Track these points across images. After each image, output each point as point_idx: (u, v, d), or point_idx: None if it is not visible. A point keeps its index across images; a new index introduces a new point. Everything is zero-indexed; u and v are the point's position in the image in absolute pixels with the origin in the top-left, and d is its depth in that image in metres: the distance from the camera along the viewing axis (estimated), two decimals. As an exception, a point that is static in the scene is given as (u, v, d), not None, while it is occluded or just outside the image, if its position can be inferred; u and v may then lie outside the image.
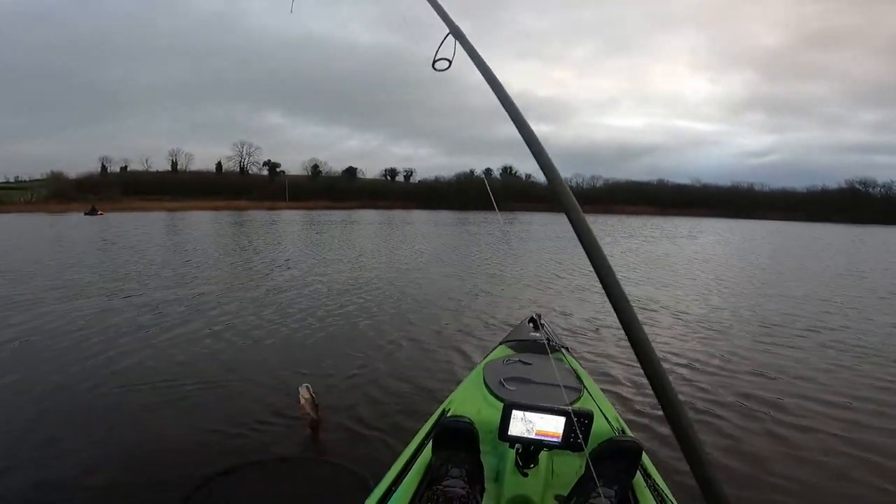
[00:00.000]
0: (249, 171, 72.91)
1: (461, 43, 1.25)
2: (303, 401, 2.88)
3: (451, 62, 1.30)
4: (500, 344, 2.66)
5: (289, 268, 9.67)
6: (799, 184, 76.13)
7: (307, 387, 2.94)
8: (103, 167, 68.99)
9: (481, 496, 1.37)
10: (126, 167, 70.32)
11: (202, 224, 25.30)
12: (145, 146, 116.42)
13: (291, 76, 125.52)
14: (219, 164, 72.69)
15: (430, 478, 1.39)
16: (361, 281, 8.31)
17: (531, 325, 2.80)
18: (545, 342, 2.45)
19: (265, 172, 73.15)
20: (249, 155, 73.51)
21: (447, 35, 1.28)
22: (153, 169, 71.40)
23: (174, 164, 71.95)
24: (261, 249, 13.13)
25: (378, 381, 3.84)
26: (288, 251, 12.83)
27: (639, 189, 71.53)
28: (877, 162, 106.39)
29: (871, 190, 63.65)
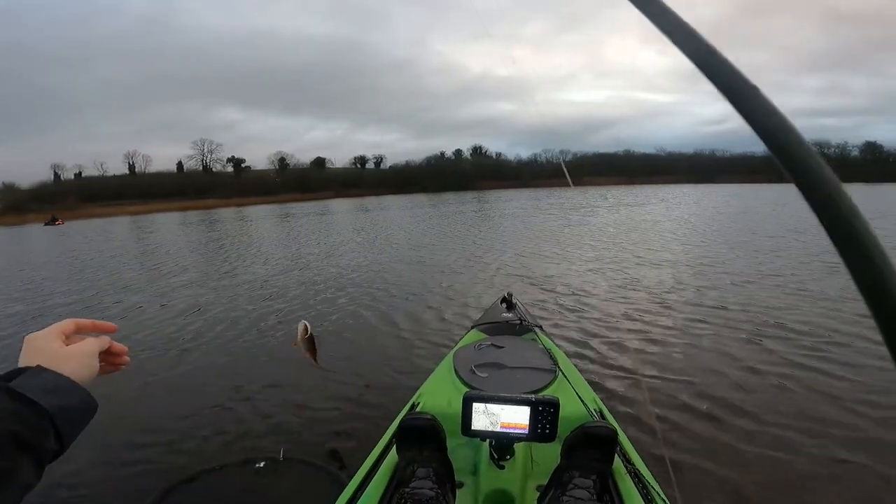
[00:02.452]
0: (213, 169, 70.81)
1: None
2: (299, 336, 2.88)
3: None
4: (473, 328, 2.55)
5: (259, 263, 9.60)
6: (758, 149, 77.85)
7: (304, 323, 2.96)
8: (56, 175, 66.00)
9: (453, 494, 1.33)
10: (80, 173, 67.33)
11: (170, 227, 24.56)
12: (98, 150, 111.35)
13: (244, 71, 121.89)
14: (179, 164, 70.31)
15: (398, 479, 1.34)
16: (331, 273, 8.24)
17: (504, 305, 2.71)
18: (518, 322, 2.42)
19: (230, 169, 71.22)
20: (211, 152, 71.29)
21: None
22: (110, 173, 68.51)
23: (132, 167, 69.16)
24: (229, 247, 12.87)
25: (348, 374, 3.79)
26: (263, 247, 12.62)
27: (607, 160, 72.73)
28: (827, 125, 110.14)
29: (825, 151, 65.86)
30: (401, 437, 1.37)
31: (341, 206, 35.60)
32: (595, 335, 4.51)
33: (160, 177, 66.70)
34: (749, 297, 5.63)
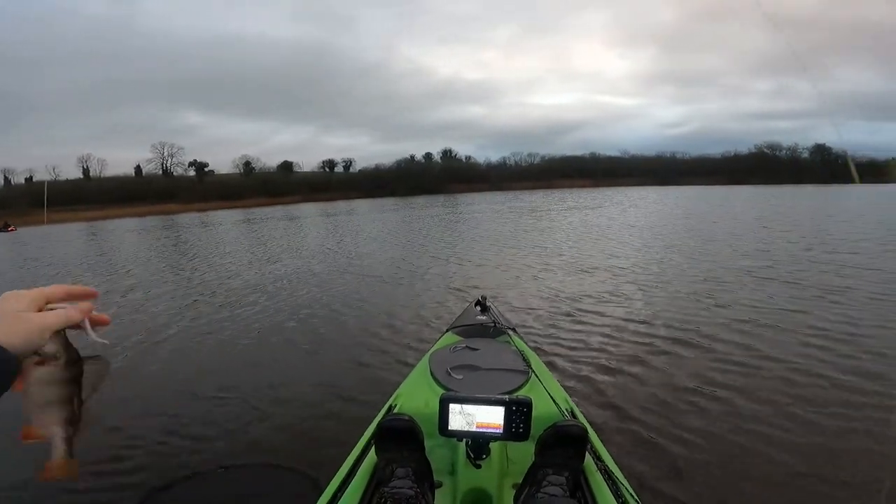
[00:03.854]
0: (174, 173, 68.34)
1: None
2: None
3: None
4: (448, 331, 2.58)
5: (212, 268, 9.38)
6: (715, 150, 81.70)
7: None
8: (6, 179, 62.49)
9: (432, 493, 1.36)
10: (31, 177, 63.80)
11: (126, 233, 23.62)
12: (51, 154, 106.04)
13: (207, 75, 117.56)
14: (138, 168, 67.44)
15: (378, 479, 1.37)
16: (303, 280, 8.16)
17: (478, 308, 2.75)
18: (492, 325, 2.45)
19: (192, 173, 68.92)
20: (172, 156, 68.55)
21: None
22: (62, 177, 65.20)
23: (86, 171, 66.04)
24: (192, 252, 12.54)
25: (325, 380, 3.80)
26: (228, 252, 12.34)
27: (574, 163, 74.21)
28: (780, 127, 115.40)
29: (777, 153, 69.35)
30: (380, 438, 1.38)
31: (310, 211, 35.05)
32: (552, 335, 4.66)
33: (118, 181, 63.90)
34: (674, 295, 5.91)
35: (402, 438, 1.36)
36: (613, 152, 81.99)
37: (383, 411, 1.86)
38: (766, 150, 70.15)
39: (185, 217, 36.80)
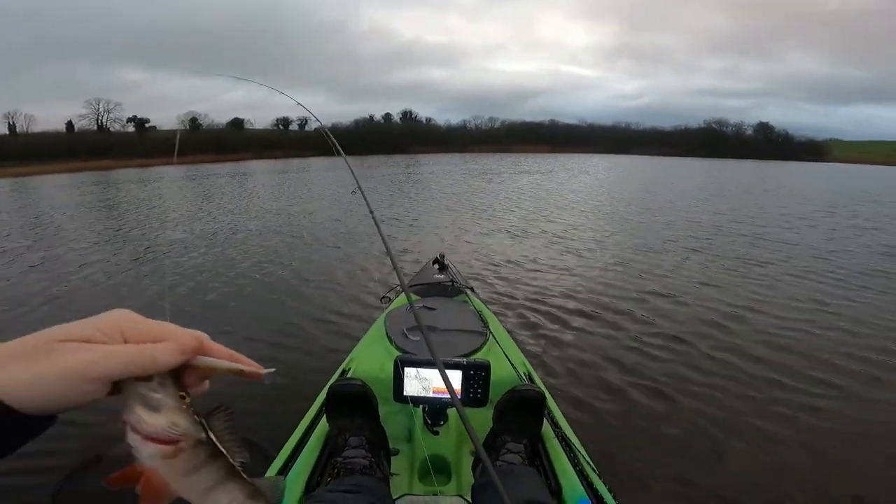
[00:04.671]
0: (111, 129, 63.00)
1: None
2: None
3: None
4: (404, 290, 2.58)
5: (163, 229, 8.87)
6: (667, 123, 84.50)
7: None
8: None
9: (388, 461, 1.31)
10: (-50, 135, 57.08)
11: (53, 190, 21.79)
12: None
13: (145, 29, 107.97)
14: (69, 124, 61.63)
15: (330, 449, 1.32)
16: (246, 238, 7.81)
17: (436, 266, 2.70)
18: (450, 284, 2.42)
19: (131, 129, 63.75)
20: (108, 112, 63.03)
21: None
22: (-16, 135, 58.62)
23: (11, 127, 59.83)
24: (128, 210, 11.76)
25: (270, 341, 3.66)
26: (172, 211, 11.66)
27: (533, 129, 74.54)
28: (729, 105, 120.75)
29: (724, 129, 72.02)
30: (330, 405, 1.32)
31: (261, 167, 33.42)
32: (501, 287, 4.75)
33: (47, 137, 58.11)
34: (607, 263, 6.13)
35: (354, 405, 1.29)
36: (572, 120, 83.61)
37: (336, 375, 1.78)
38: (714, 125, 72.88)
39: (123, 173, 34.21)
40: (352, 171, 1.64)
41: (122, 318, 0.32)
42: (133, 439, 0.31)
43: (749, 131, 70.00)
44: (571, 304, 4.54)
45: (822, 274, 5.74)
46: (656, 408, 2.83)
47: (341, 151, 1.56)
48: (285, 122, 73.17)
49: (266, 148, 59.54)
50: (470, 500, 1.20)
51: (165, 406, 0.31)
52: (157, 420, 0.31)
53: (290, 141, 64.59)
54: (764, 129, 68.78)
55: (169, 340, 0.32)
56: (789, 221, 9.98)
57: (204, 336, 0.34)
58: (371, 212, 1.60)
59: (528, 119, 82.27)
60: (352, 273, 5.56)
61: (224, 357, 0.35)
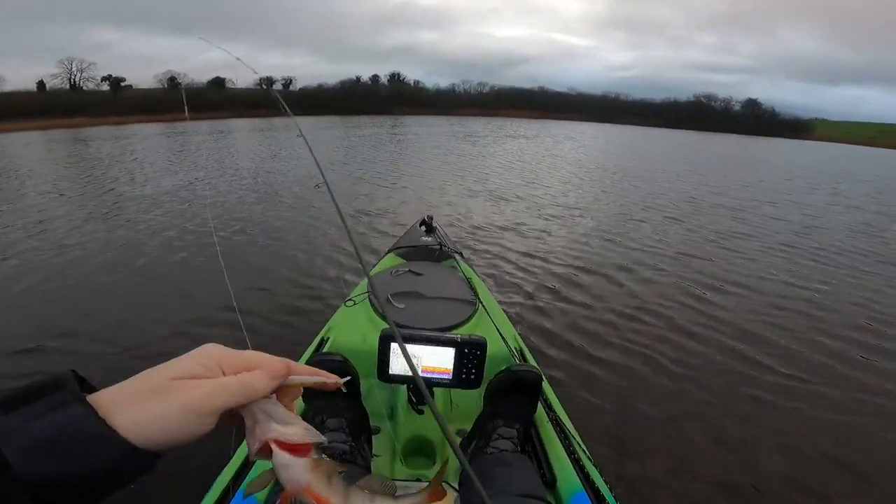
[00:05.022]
0: (84, 88, 60.07)
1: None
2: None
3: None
4: (389, 251, 2.40)
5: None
6: (657, 96, 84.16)
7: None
8: None
9: (369, 444, 1.22)
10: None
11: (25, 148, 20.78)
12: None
13: None
14: (41, 83, 58.51)
15: None
16: (225, 190, 7.66)
17: (423, 228, 2.57)
18: (438, 247, 2.30)
19: (106, 88, 60.83)
20: (82, 71, 59.87)
21: None
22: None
23: (-22, 88, 56.27)
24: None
25: (246, 304, 3.40)
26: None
27: (523, 95, 73.74)
28: (719, 80, 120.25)
29: (713, 104, 71.96)
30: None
31: (242, 126, 32.37)
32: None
33: (16, 96, 55.12)
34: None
35: None
36: (562, 88, 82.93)
37: (313, 347, 1.65)
38: (703, 99, 72.83)
39: (95, 130, 32.72)
40: (301, 132, 1.48)
41: (215, 352, 0.35)
42: (281, 458, 0.33)
43: (737, 107, 70.17)
44: (546, 270, 4.53)
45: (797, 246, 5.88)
46: (647, 382, 2.83)
47: (289, 112, 1.45)
48: (269, 81, 70.80)
49: (248, 107, 57.66)
50: (457, 487, 1.12)
51: (290, 417, 0.35)
52: (294, 430, 0.34)
53: (273, 101, 62.35)
54: (752, 105, 69.01)
55: (261, 368, 0.36)
56: (769, 195, 10.09)
57: (290, 361, 0.38)
58: (325, 182, 1.48)
59: (518, 86, 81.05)
60: (335, 237, 5.35)
61: (307, 374, 0.39)
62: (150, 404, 0.30)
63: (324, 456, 0.35)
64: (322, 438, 0.35)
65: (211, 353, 0.35)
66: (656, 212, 7.54)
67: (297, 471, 0.33)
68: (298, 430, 0.34)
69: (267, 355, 0.37)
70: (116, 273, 4.33)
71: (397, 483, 1.22)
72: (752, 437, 2.40)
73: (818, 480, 2.13)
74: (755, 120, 63.30)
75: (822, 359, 3.19)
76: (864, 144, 52.30)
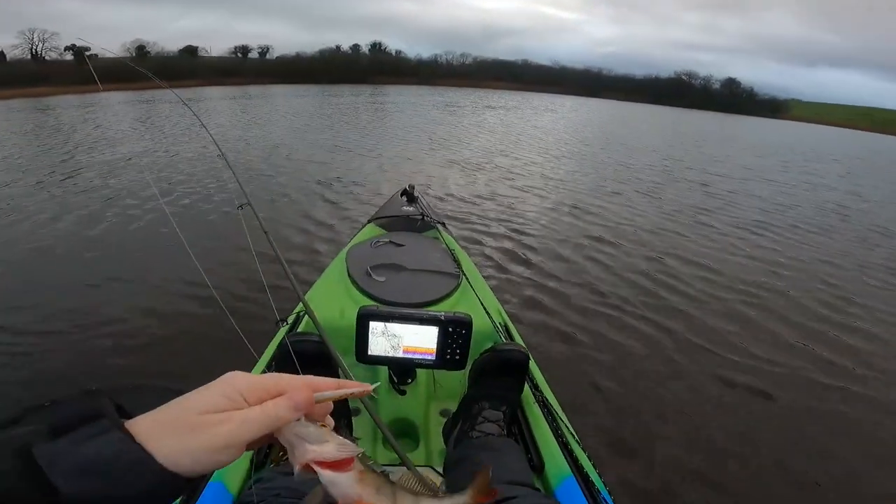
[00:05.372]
0: (46, 58, 56.89)
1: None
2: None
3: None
4: (370, 222, 2.32)
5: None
6: (638, 72, 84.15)
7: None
8: None
9: (349, 428, 1.18)
10: None
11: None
12: None
13: None
14: (1, 54, 55.28)
15: None
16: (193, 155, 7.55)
17: (404, 198, 2.48)
18: (420, 217, 2.23)
19: (70, 58, 57.72)
20: (44, 41, 56.59)
21: None
22: None
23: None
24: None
25: (217, 274, 3.26)
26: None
27: (506, 67, 73.11)
28: (701, 59, 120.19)
29: (693, 81, 72.21)
30: (282, 364, 1.09)
31: (214, 94, 30.46)
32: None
33: None
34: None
35: (310, 364, 1.02)
36: (545, 62, 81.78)
37: (290, 319, 1.56)
38: (683, 76, 73.16)
39: (59, 99, 31.14)
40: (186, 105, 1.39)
41: (238, 381, 0.36)
42: (326, 476, 0.34)
43: (716, 85, 70.70)
44: (520, 241, 4.50)
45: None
46: (634, 356, 2.80)
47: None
48: (244, 49, 68.19)
49: (224, 75, 55.54)
50: (441, 471, 1.06)
51: (323, 434, 0.35)
52: (329, 448, 0.34)
53: (248, 69, 60.36)
54: (730, 84, 69.65)
55: (285, 394, 0.36)
56: (743, 172, 10.29)
57: (312, 378, 0.39)
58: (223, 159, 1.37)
59: (501, 58, 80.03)
60: (314, 204, 5.30)
61: (332, 388, 0.39)
62: (180, 439, 0.33)
63: (370, 463, 0.36)
64: (359, 450, 0.35)
65: (234, 383, 0.36)
66: (627, 184, 7.65)
67: (345, 486, 0.34)
68: (333, 448, 0.34)
69: (288, 377, 0.38)
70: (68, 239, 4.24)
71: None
72: (741, 416, 2.38)
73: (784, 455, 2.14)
74: (732, 98, 64.13)
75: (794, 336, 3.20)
76: (838, 125, 53.49)
